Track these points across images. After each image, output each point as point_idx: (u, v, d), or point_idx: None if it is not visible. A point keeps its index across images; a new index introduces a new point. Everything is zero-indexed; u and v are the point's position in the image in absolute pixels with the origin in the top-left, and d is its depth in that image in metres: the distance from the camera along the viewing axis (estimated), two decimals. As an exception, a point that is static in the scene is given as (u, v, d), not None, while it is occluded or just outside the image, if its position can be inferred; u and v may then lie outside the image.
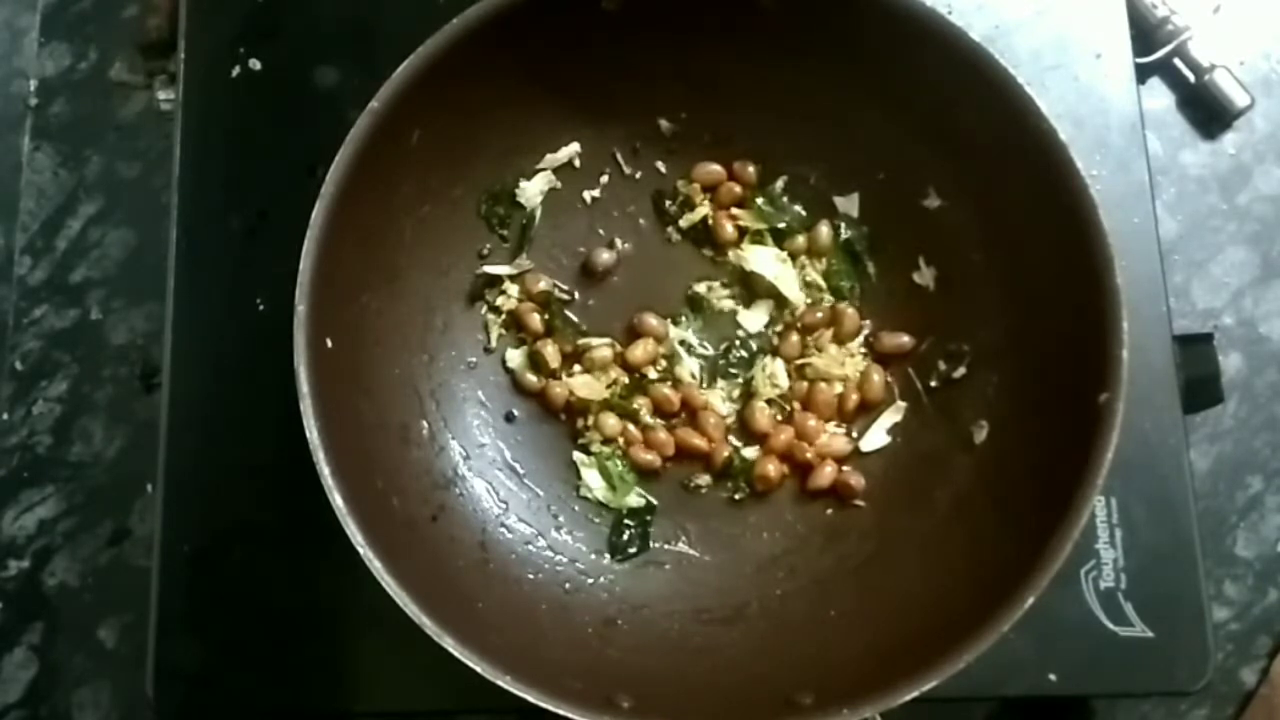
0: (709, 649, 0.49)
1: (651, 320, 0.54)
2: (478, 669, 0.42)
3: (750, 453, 0.53)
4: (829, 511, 0.52)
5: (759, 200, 0.54)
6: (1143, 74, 0.58)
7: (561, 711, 0.42)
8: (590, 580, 0.51)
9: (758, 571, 0.51)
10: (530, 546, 0.51)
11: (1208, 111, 0.62)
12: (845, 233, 0.54)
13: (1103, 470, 0.43)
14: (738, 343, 0.54)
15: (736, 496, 0.53)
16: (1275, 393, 0.60)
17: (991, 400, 0.50)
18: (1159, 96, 0.62)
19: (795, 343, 0.53)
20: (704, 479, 0.53)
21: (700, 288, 0.54)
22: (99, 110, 0.63)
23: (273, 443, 0.49)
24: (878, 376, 0.53)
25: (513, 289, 0.54)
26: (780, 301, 0.54)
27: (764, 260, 0.54)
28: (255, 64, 0.56)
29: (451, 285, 0.53)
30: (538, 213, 0.54)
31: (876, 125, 0.52)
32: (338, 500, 0.43)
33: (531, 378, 0.53)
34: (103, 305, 0.60)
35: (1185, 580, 0.51)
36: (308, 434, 0.44)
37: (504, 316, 0.54)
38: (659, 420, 0.53)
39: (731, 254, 0.54)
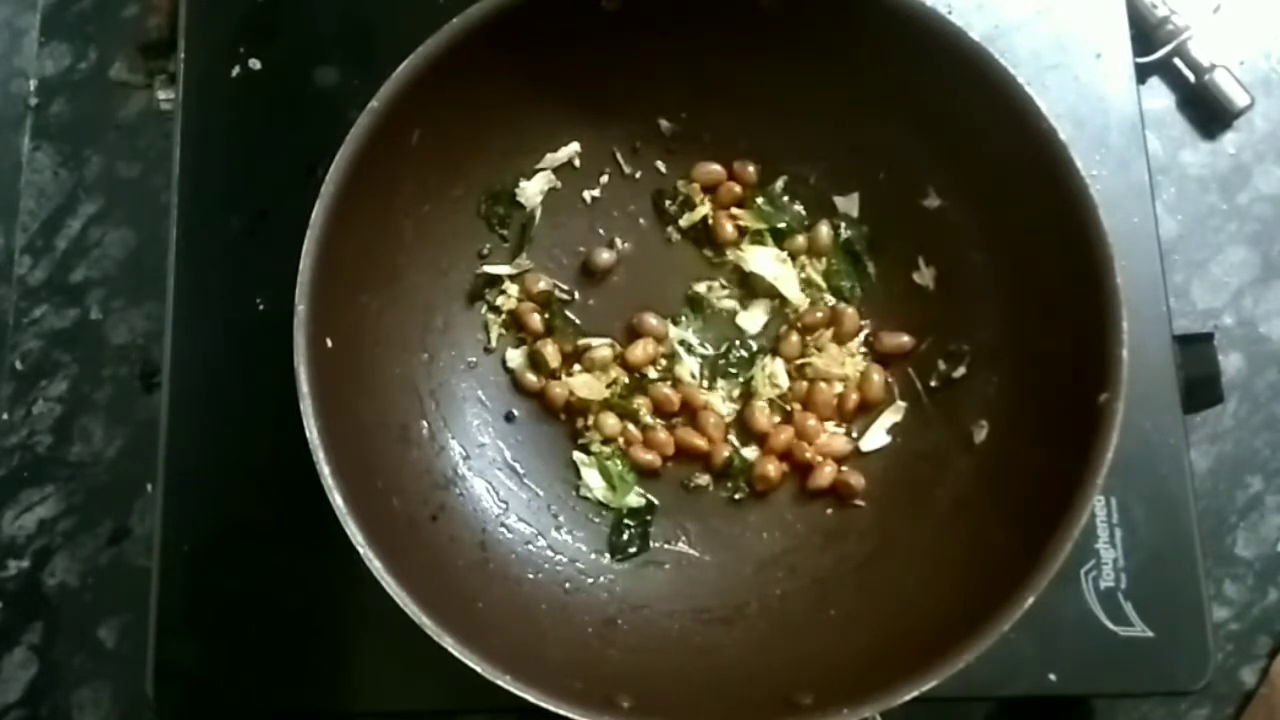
0: (709, 649, 0.49)
1: (651, 320, 0.54)
2: (478, 669, 0.42)
3: (750, 453, 0.53)
4: (829, 511, 0.52)
5: (759, 200, 0.54)
6: (1143, 74, 0.58)
7: (561, 711, 0.42)
8: (590, 580, 0.51)
9: (758, 571, 0.51)
10: (530, 546, 0.51)
11: (1208, 111, 0.62)
12: (845, 233, 0.54)
13: (1103, 470, 0.43)
14: (738, 343, 0.54)
15: (736, 496, 0.53)
16: (1275, 393, 0.60)
17: (991, 400, 0.50)
18: (1159, 96, 0.62)
19: (795, 343, 0.53)
20: (704, 479, 0.53)
21: (700, 288, 0.54)
22: (99, 110, 0.63)
23: (273, 443, 0.49)
24: (878, 376, 0.53)
25: (513, 289, 0.54)
26: (780, 301, 0.54)
27: (764, 260, 0.54)
28: (255, 64, 0.56)
29: (451, 285, 0.53)
30: (538, 213, 0.54)
31: (876, 125, 0.52)
32: (338, 500, 0.43)
33: (531, 378, 0.53)
34: (103, 305, 0.60)
35: (1185, 580, 0.51)
36: (308, 434, 0.44)
37: (504, 316, 0.54)
38: (659, 420, 0.53)
39: (731, 254, 0.54)
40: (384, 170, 0.48)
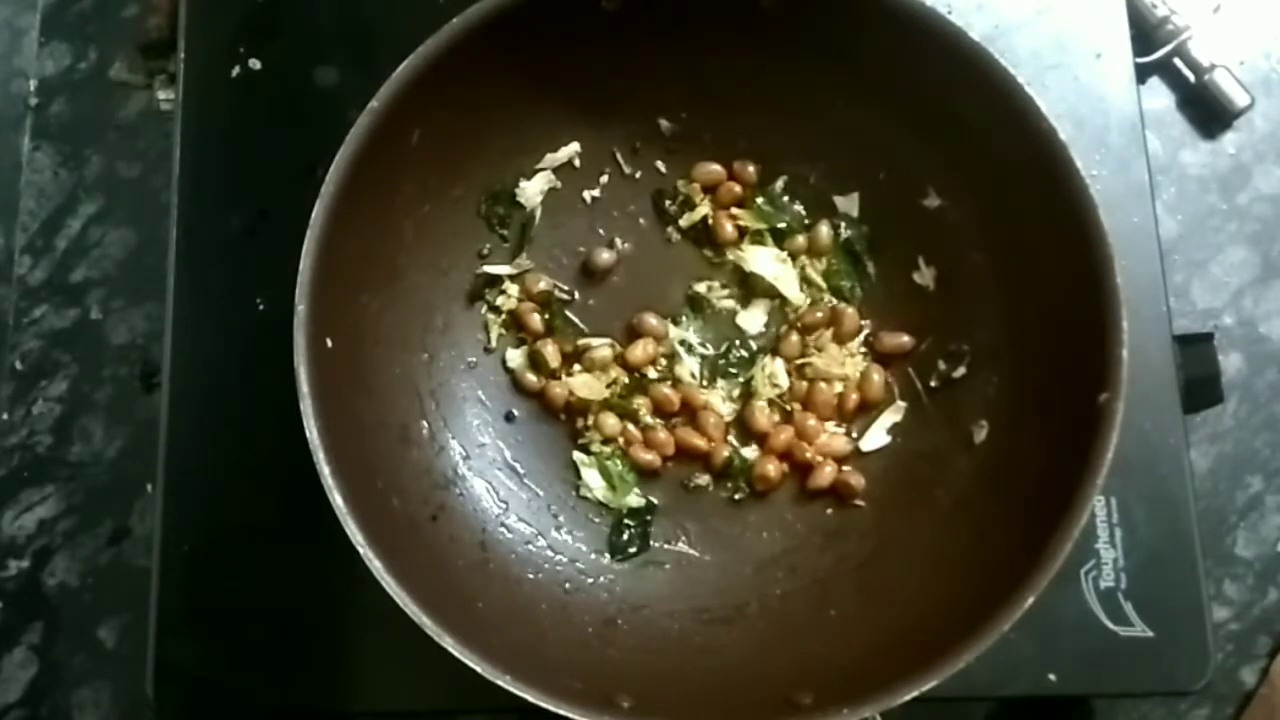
0: (709, 649, 0.49)
1: (651, 320, 0.54)
2: (478, 669, 0.42)
3: (750, 453, 0.53)
4: (829, 511, 0.52)
5: (759, 200, 0.54)
6: (1143, 74, 0.58)
7: (561, 711, 0.42)
8: (590, 580, 0.51)
9: (758, 571, 0.51)
10: (530, 546, 0.51)
11: (1208, 111, 0.62)
12: (845, 233, 0.54)
13: (1103, 470, 0.43)
14: (738, 343, 0.54)
15: (736, 496, 0.53)
16: (1275, 393, 0.60)
17: (991, 400, 0.50)
18: (1159, 96, 0.62)
19: (795, 343, 0.53)
20: (704, 479, 0.53)
21: (700, 288, 0.54)
22: (99, 110, 0.63)
23: (273, 443, 0.49)
24: (878, 376, 0.53)
25: (513, 289, 0.54)
26: (780, 301, 0.54)
27: (764, 260, 0.54)
28: (255, 64, 0.56)
29: (451, 285, 0.53)
30: (538, 213, 0.54)
31: (876, 125, 0.52)
32: (338, 500, 0.43)
33: (531, 378, 0.53)
34: (103, 305, 0.60)
35: (1185, 580, 0.51)
36: (308, 434, 0.44)
37: (504, 316, 0.54)
38: (659, 420, 0.53)
39: (731, 254, 0.54)
40: (384, 170, 0.48)
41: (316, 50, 0.56)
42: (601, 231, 0.55)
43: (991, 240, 0.50)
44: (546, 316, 0.54)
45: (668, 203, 0.55)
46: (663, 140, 0.55)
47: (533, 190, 0.54)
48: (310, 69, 0.56)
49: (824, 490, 0.52)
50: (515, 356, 0.54)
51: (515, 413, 0.53)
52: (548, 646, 0.47)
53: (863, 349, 0.54)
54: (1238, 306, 0.61)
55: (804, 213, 0.55)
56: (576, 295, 0.54)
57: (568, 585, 0.50)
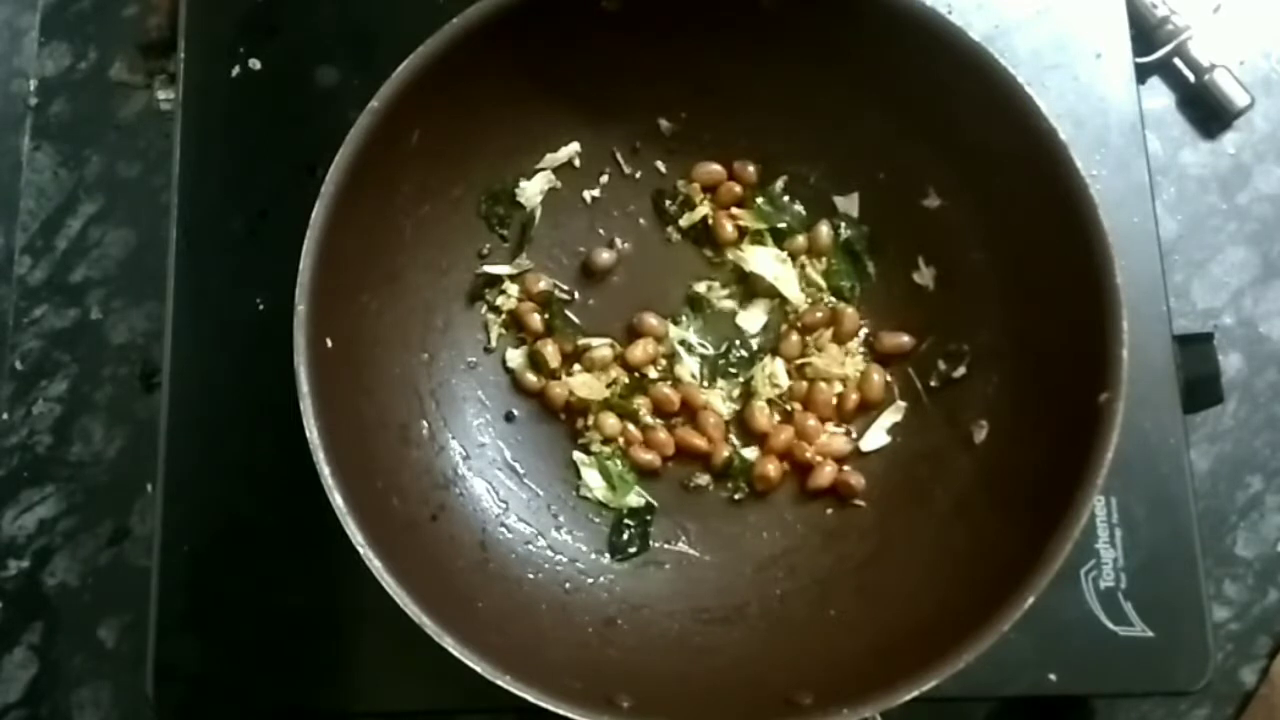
0: (709, 649, 0.49)
1: (651, 320, 0.54)
2: (478, 669, 0.42)
3: (750, 453, 0.53)
4: (829, 511, 0.52)
5: (759, 200, 0.54)
6: (1143, 74, 0.58)
7: (561, 711, 0.42)
8: (590, 580, 0.51)
9: (758, 571, 0.51)
10: (530, 546, 0.51)
11: (1208, 111, 0.62)
12: (845, 233, 0.54)
13: (1103, 470, 0.43)
14: (738, 343, 0.54)
15: (736, 496, 0.53)
16: (1275, 393, 0.60)
17: (991, 400, 0.50)
18: (1159, 96, 0.62)
19: (795, 342, 0.53)
20: (704, 479, 0.53)
21: (700, 288, 0.54)
22: (99, 110, 0.63)
23: (273, 443, 0.49)
24: (878, 376, 0.53)
25: (513, 289, 0.54)
26: (780, 301, 0.54)
27: (764, 260, 0.54)
28: (255, 64, 0.56)
29: (451, 285, 0.53)
30: (538, 212, 0.54)
31: (876, 125, 0.52)
32: (338, 500, 0.43)
33: (531, 378, 0.53)
34: (103, 305, 0.60)
35: (1185, 580, 0.51)
36: (308, 434, 0.44)
37: (504, 316, 0.54)
38: (659, 420, 0.53)
39: (731, 254, 0.54)
40: (384, 170, 0.48)
41: (316, 50, 0.56)
42: (601, 231, 0.55)
43: (991, 240, 0.50)
44: (546, 316, 0.54)
45: (668, 203, 0.55)
46: (663, 140, 0.55)
47: (533, 190, 0.54)
48: (310, 69, 0.56)
49: (824, 490, 0.52)
50: (515, 356, 0.54)
51: (515, 413, 0.53)
52: (548, 646, 0.47)
53: (863, 349, 0.54)
54: (1238, 306, 0.61)
55: (804, 213, 0.55)
56: (576, 295, 0.54)
57: (568, 585, 0.50)
